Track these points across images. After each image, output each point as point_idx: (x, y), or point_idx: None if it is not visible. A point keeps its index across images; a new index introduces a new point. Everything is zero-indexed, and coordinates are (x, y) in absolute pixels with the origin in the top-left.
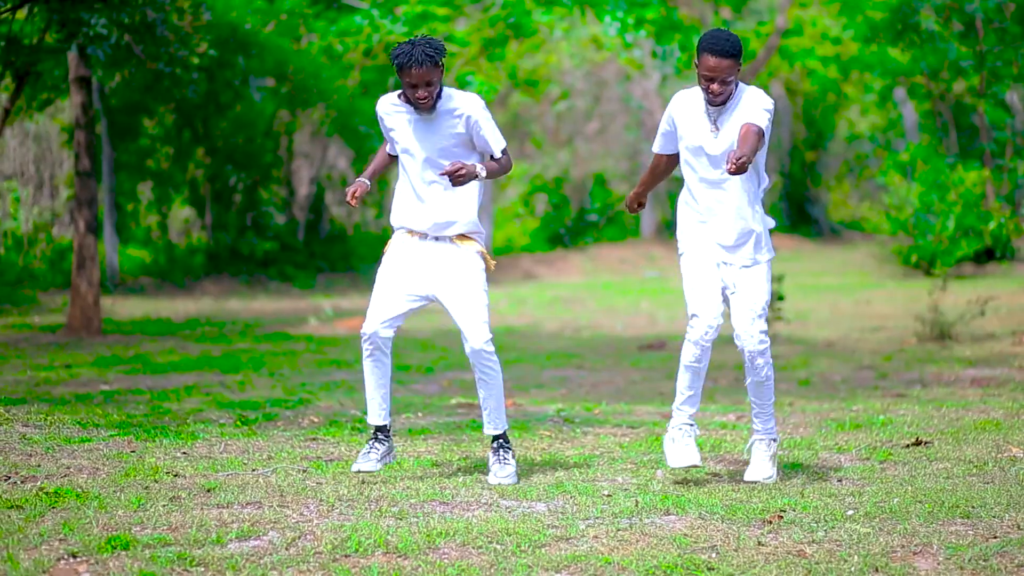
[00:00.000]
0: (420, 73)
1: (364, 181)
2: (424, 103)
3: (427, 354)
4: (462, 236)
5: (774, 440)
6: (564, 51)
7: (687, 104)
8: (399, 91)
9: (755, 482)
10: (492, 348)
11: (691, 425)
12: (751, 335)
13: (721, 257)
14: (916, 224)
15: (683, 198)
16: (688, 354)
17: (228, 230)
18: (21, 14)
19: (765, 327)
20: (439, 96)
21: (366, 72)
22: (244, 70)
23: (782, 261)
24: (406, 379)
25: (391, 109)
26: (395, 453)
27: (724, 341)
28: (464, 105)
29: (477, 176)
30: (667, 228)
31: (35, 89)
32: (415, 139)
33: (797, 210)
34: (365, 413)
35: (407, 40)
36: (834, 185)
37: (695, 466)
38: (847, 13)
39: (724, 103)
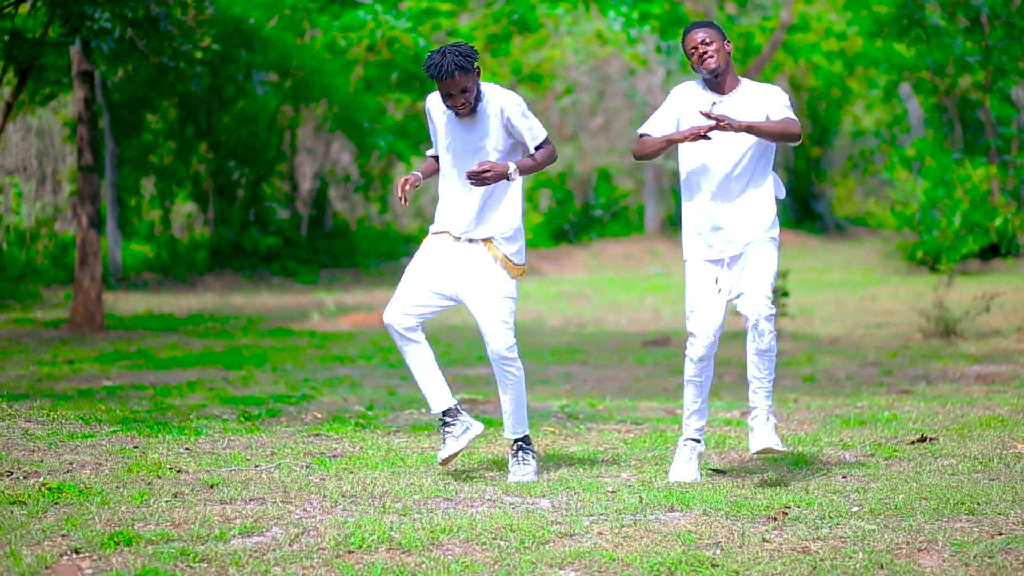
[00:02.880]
0: (452, 83)
1: (416, 173)
2: (462, 109)
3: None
4: (494, 244)
5: (773, 415)
6: (568, 46)
7: (688, 97)
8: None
9: (766, 449)
10: (515, 353)
11: (697, 440)
12: (757, 300)
13: (728, 251)
14: (921, 220)
15: (685, 206)
16: (688, 369)
17: (231, 225)
18: (24, 8)
19: (771, 295)
20: (478, 98)
21: (369, 67)
22: (247, 65)
23: (787, 257)
24: (409, 375)
25: (439, 107)
26: (476, 426)
27: (729, 337)
28: (497, 101)
29: (508, 177)
30: (671, 223)
31: (38, 84)
32: (456, 140)
33: (802, 206)
34: (428, 407)
35: (437, 50)
36: (839, 181)
37: (694, 481)
38: (852, 8)
39: (719, 75)
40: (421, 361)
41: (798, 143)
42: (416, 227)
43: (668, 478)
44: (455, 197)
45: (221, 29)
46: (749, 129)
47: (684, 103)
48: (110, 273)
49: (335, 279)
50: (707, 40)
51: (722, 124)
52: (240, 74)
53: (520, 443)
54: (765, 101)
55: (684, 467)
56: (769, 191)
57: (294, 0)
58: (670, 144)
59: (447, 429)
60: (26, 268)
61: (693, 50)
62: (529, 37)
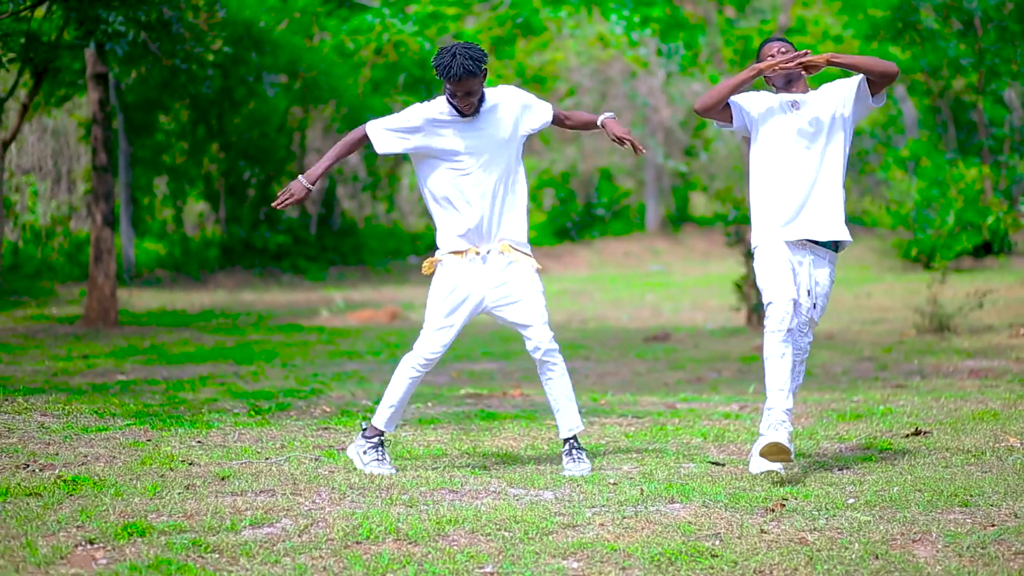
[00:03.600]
0: (459, 85)
1: (306, 187)
2: (467, 110)
3: None
4: (511, 247)
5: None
6: (571, 49)
7: (761, 101)
8: (440, 97)
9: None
10: (557, 345)
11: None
12: (813, 318)
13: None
14: (916, 219)
15: (757, 195)
16: (768, 344)
17: (242, 224)
18: (40, 12)
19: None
20: (481, 100)
21: (376, 70)
22: (258, 67)
23: None
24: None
25: (439, 118)
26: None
27: (728, 333)
28: (500, 98)
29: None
30: (671, 223)
31: (53, 85)
32: (467, 146)
33: None
34: (365, 417)
35: (448, 49)
36: None
37: (789, 459)
38: (848, 11)
39: (792, 81)
40: (414, 384)
41: (895, 79)
42: (423, 225)
43: (754, 469)
44: (469, 211)
45: (232, 32)
46: (833, 61)
47: (756, 105)
48: (124, 270)
49: (343, 276)
50: (783, 49)
51: (806, 61)
52: (250, 76)
53: (573, 441)
54: (839, 87)
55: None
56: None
57: (303, 4)
58: (750, 79)
59: (383, 449)
60: (42, 265)
61: (772, 53)
62: (533, 40)
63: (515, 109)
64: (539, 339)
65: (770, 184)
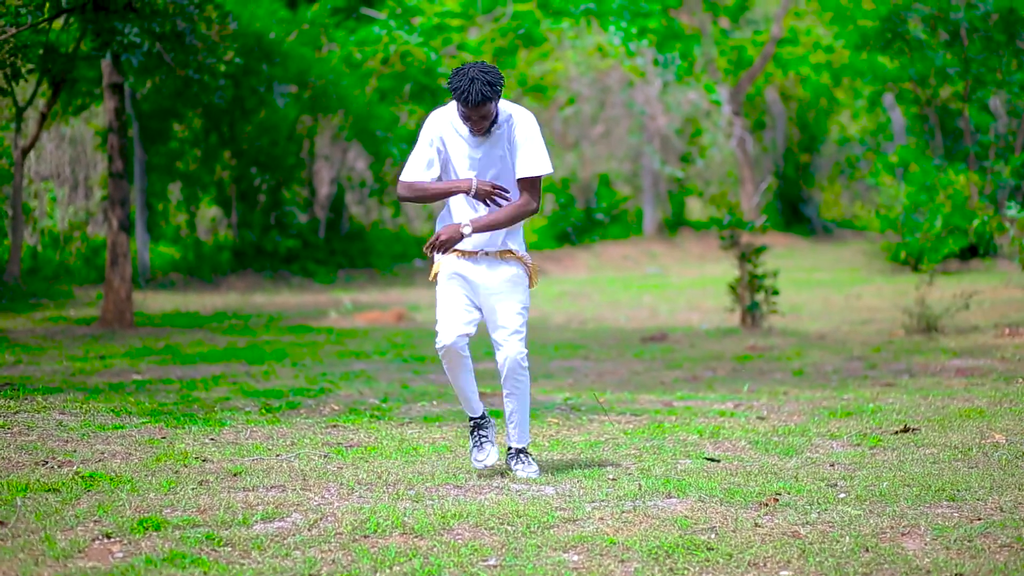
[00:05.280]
0: (475, 110)
1: (461, 230)
2: (478, 131)
3: None
4: (507, 252)
5: None
6: (571, 59)
7: None
8: (452, 104)
9: None
10: (527, 363)
11: None
12: None
13: None
14: (904, 223)
15: None
16: None
17: (253, 228)
18: (58, 24)
19: None
20: (495, 120)
21: (383, 80)
22: (268, 77)
23: (777, 258)
24: (421, 369)
25: (450, 129)
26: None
27: (723, 333)
28: (512, 120)
29: (461, 234)
30: (668, 227)
31: (71, 95)
32: (473, 161)
33: (791, 209)
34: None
35: (465, 71)
36: (826, 186)
37: None
38: (839, 22)
39: None
40: (468, 373)
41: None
42: (427, 230)
43: None
44: (470, 214)
45: (243, 43)
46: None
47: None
48: (139, 273)
49: (351, 279)
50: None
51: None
52: (261, 86)
53: (521, 451)
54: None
55: None
56: None
57: (312, 16)
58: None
59: (482, 433)
60: (60, 269)
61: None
62: (534, 51)
63: (511, 129)
64: (512, 352)
65: None
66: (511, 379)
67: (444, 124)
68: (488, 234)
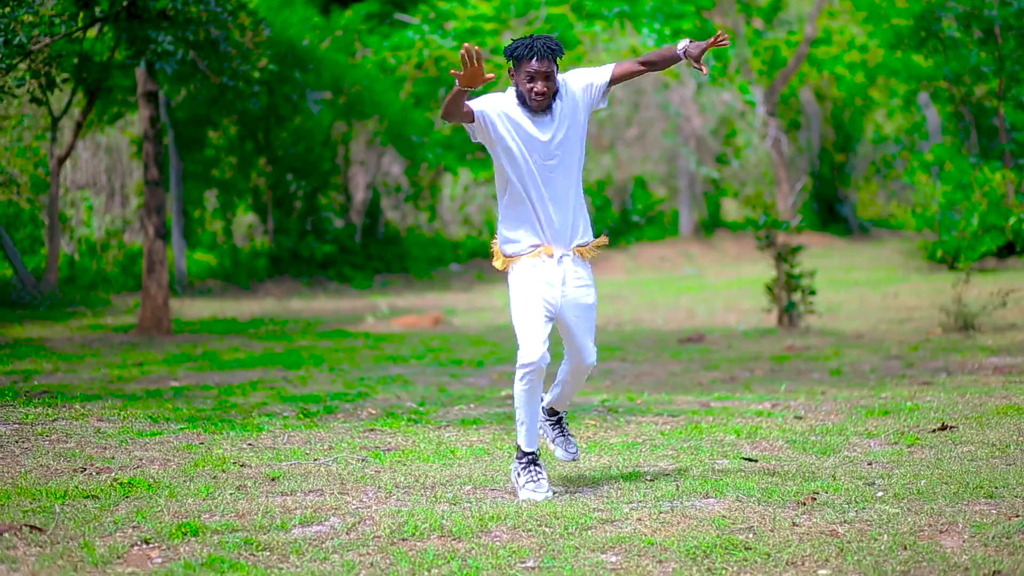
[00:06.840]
0: (540, 65)
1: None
2: (542, 99)
3: (478, 349)
4: (582, 247)
5: None
6: (605, 61)
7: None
8: (510, 90)
9: None
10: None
11: None
12: None
13: None
14: (941, 221)
15: None
16: None
17: (289, 234)
18: (92, 33)
19: None
20: (555, 96)
21: (418, 84)
22: (302, 84)
23: (814, 257)
24: (459, 372)
25: (513, 112)
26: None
27: (760, 334)
28: (568, 86)
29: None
30: (704, 228)
31: (106, 103)
32: (539, 143)
33: (827, 209)
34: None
35: (523, 37)
36: (862, 185)
37: None
38: (873, 22)
39: None
40: (531, 396)
41: None
42: (463, 234)
43: None
44: (545, 212)
45: (277, 50)
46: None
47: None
48: (176, 280)
49: (388, 284)
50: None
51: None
52: (295, 93)
53: (564, 419)
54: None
55: None
56: None
57: (346, 22)
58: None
59: (540, 469)
60: (97, 277)
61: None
62: (567, 54)
63: (585, 88)
64: (591, 357)
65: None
66: (578, 380)
67: (509, 103)
68: (570, 229)
